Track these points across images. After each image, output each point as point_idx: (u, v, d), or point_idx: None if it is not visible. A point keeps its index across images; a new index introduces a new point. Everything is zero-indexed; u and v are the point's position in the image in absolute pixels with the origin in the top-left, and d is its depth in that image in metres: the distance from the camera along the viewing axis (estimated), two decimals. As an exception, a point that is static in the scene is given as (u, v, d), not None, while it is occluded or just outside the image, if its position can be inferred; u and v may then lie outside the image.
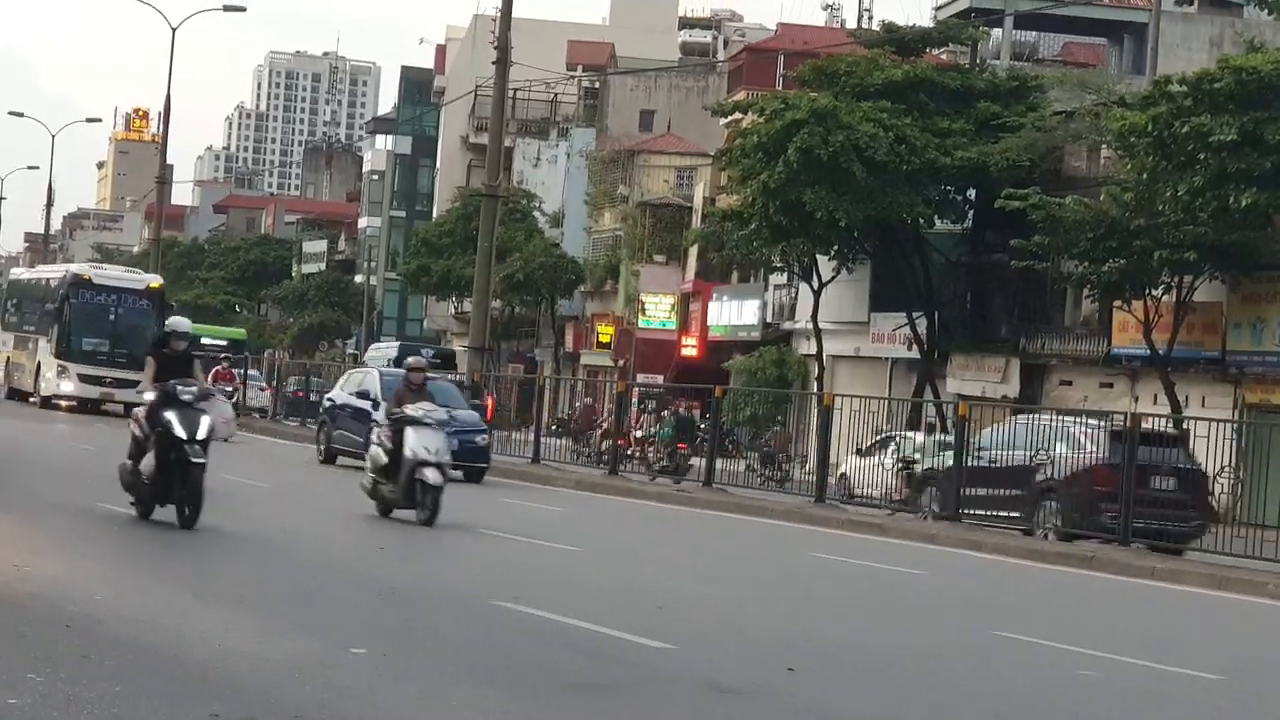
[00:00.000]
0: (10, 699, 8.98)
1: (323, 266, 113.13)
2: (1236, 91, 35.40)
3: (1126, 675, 13.54)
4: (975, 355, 49.39)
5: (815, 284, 52.25)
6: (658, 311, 71.58)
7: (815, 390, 49.55)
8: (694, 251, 67.27)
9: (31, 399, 53.03)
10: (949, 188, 48.33)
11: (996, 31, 62.03)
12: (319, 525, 22.67)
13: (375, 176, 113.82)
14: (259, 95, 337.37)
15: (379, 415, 28.60)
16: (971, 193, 48.93)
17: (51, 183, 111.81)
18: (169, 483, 18.63)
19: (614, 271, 76.29)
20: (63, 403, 51.22)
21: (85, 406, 50.59)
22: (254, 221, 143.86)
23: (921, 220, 47.85)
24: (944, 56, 56.89)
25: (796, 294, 58.91)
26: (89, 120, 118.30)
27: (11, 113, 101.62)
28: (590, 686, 10.90)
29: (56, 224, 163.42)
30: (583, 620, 13.69)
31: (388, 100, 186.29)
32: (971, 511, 29.89)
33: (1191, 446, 28.67)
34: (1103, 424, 29.88)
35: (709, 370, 58.84)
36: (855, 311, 53.96)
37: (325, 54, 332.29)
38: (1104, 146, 44.89)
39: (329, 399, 39.39)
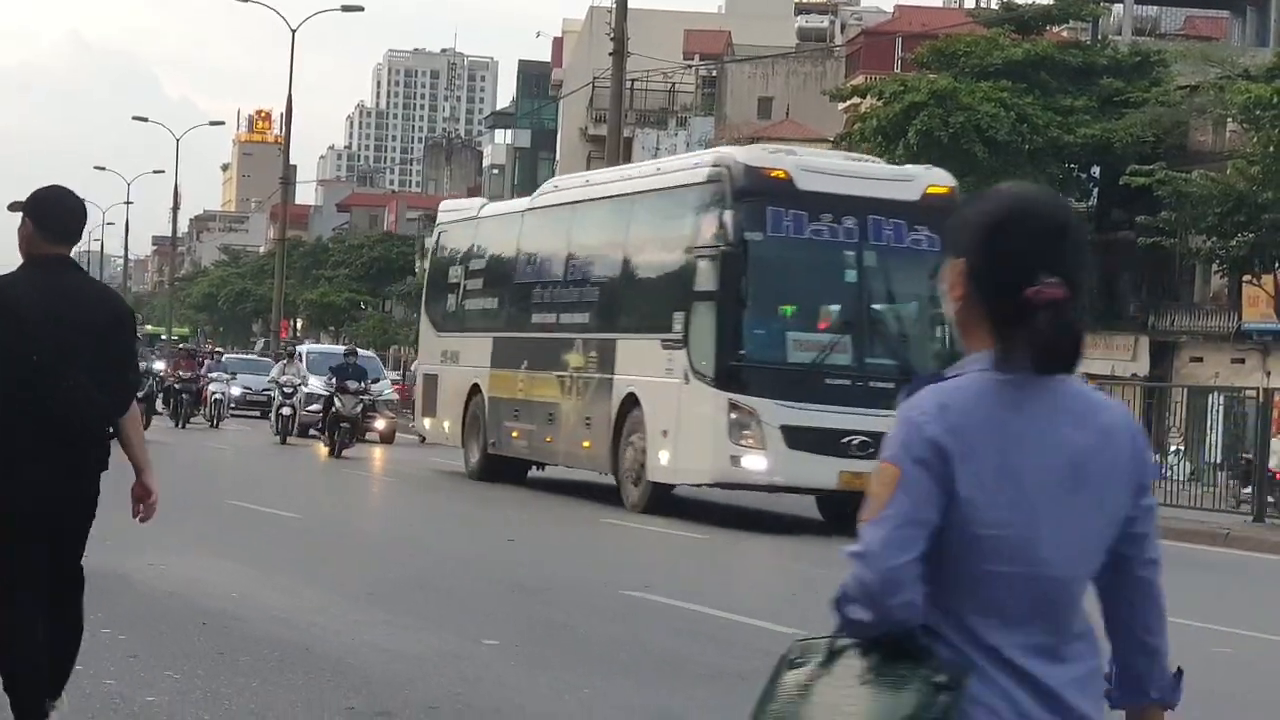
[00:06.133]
0: (149, 696, 9.06)
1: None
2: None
3: None
4: (1103, 333, 48.91)
5: (939, 266, 51.90)
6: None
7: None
8: (816, 237, 66.89)
9: (623, 485, 23.61)
10: (1073, 166, 47.91)
11: (1117, 7, 61.41)
12: (444, 520, 22.74)
13: (495, 171, 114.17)
14: (379, 94, 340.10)
15: None
16: (1096, 170, 48.49)
17: (177, 186, 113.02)
18: None
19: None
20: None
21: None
22: (376, 219, 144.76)
23: (1045, 199, 47.45)
24: (1064, 33, 56.37)
25: (920, 277, 58.55)
26: (212, 124, 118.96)
27: (135, 118, 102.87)
28: (723, 674, 10.86)
29: (183, 227, 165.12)
30: (714, 608, 13.66)
31: (506, 95, 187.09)
32: None
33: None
34: None
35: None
36: (980, 293, 53.58)
37: (443, 51, 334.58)
38: (1229, 120, 44.33)
39: None
